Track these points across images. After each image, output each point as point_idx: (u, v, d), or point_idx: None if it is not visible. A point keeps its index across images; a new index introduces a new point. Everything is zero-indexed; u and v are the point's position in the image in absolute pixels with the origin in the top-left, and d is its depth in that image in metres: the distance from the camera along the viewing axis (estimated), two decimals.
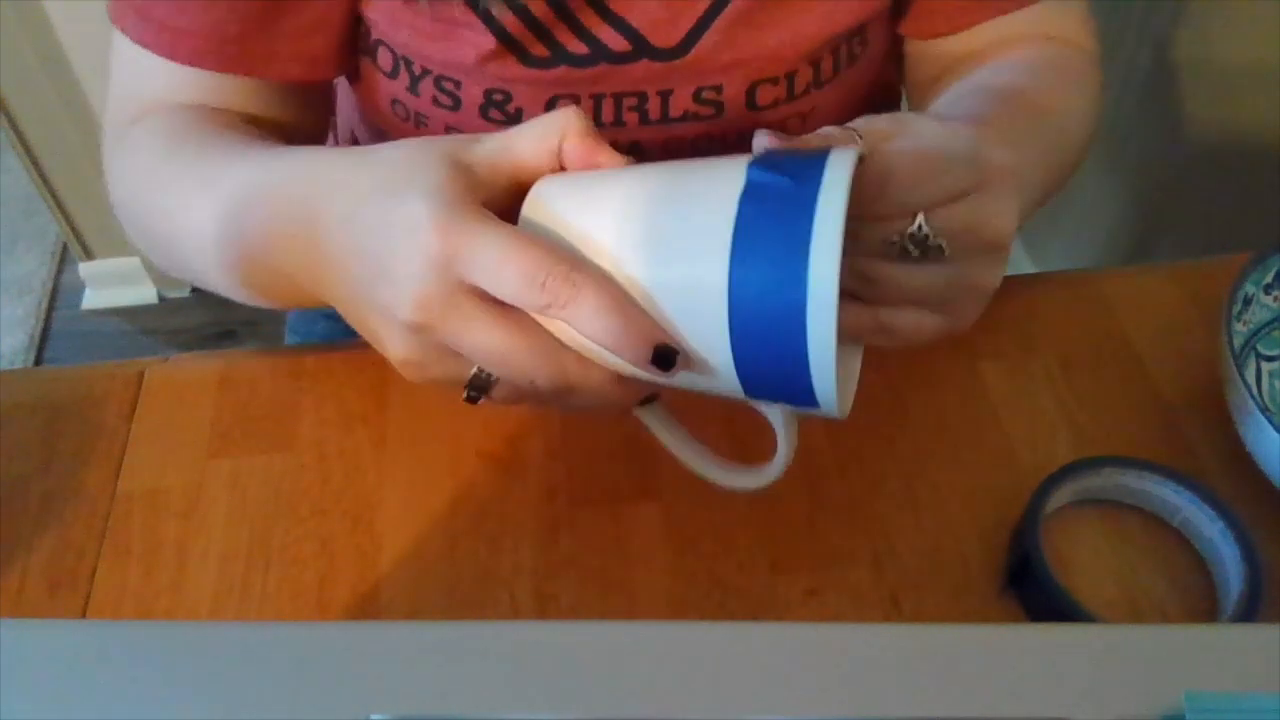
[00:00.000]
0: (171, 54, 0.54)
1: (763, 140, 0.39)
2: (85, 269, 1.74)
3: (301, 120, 0.60)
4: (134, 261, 1.72)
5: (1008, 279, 0.64)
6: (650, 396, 0.42)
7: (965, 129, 0.43)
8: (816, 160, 0.36)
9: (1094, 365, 0.57)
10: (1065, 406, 0.55)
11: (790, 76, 0.57)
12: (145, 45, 0.54)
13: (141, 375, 0.58)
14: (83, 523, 0.51)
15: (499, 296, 0.37)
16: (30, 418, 0.56)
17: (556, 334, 0.38)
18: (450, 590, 0.49)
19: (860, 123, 0.42)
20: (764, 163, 0.37)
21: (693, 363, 0.37)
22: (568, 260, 0.36)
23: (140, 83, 0.57)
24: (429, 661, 0.33)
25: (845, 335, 0.40)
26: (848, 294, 0.41)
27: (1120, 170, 1.35)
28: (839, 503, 0.51)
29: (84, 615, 0.48)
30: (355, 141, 0.71)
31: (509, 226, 0.37)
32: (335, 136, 0.74)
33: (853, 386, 0.42)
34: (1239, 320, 0.53)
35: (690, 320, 0.36)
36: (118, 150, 0.58)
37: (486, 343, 0.37)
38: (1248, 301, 0.53)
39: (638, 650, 0.34)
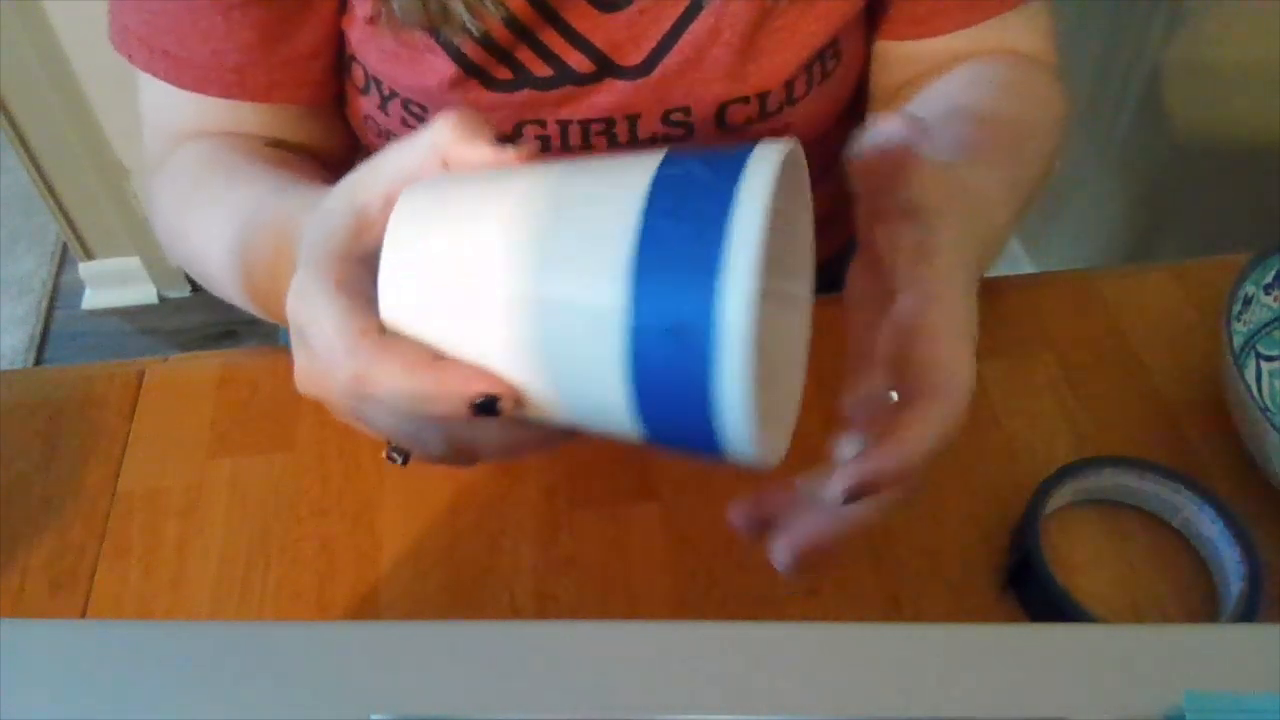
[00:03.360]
0: (178, 81, 0.54)
1: None
2: (85, 269, 1.74)
3: (324, 141, 0.60)
4: (134, 261, 1.72)
5: (1008, 279, 0.64)
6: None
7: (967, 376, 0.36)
8: (740, 153, 0.29)
9: (1094, 365, 0.57)
10: (1065, 406, 0.55)
11: (762, 96, 0.56)
12: (154, 74, 0.54)
13: (141, 375, 0.58)
14: (83, 522, 0.51)
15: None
16: (30, 418, 0.56)
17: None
18: (450, 590, 0.49)
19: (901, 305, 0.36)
20: (676, 159, 0.30)
21: (574, 402, 0.31)
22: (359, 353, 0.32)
23: (164, 112, 0.57)
24: (429, 661, 0.33)
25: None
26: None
27: (1120, 170, 1.35)
28: None
29: (84, 615, 0.48)
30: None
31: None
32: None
33: (786, 430, 0.36)
34: (1239, 320, 0.53)
35: (578, 351, 0.29)
36: (155, 179, 0.59)
37: (380, 426, 0.36)
38: (1248, 301, 0.53)
39: (638, 650, 0.34)
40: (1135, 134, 1.30)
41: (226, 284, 0.51)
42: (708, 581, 0.47)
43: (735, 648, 0.34)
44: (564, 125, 0.55)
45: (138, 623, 0.46)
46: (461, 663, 0.33)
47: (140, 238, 1.66)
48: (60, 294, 1.80)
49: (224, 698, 0.32)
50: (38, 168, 1.56)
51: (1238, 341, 0.53)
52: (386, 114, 0.56)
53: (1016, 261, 1.60)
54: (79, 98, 1.47)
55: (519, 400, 0.31)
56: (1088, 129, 1.38)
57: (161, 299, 1.77)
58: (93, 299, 1.77)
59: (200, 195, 0.53)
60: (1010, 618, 0.47)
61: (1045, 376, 0.57)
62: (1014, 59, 0.58)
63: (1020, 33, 0.59)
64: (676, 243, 0.28)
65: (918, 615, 0.47)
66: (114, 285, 1.76)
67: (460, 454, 0.36)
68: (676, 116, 0.55)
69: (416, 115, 0.55)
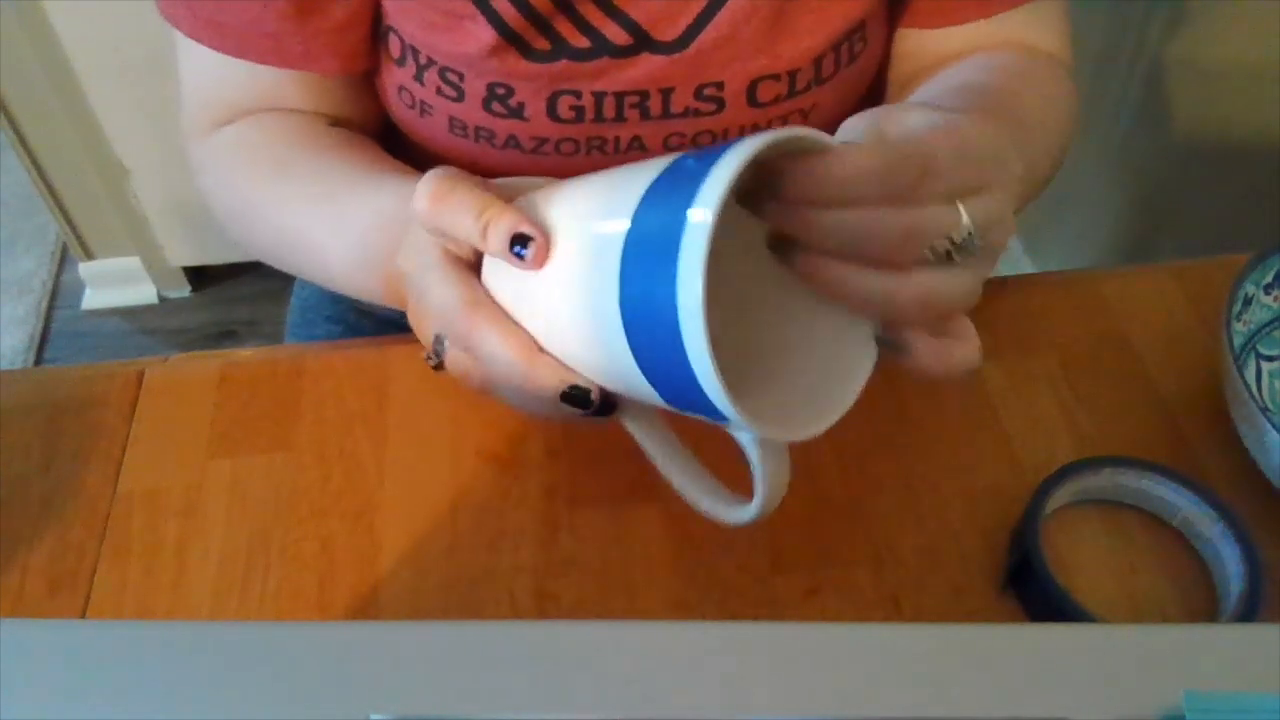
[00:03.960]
0: (220, 47, 0.56)
1: None
2: (85, 269, 1.74)
3: (358, 113, 0.62)
4: (134, 261, 1.72)
5: (1008, 279, 0.64)
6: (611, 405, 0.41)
7: (986, 121, 0.40)
8: (729, 144, 0.33)
9: (1094, 365, 0.57)
10: (1065, 406, 0.55)
11: (792, 74, 0.57)
12: (199, 40, 0.56)
13: (141, 375, 0.58)
14: (83, 523, 0.51)
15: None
16: (30, 418, 0.56)
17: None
18: (450, 590, 0.49)
19: (846, 124, 0.39)
20: (695, 152, 0.34)
21: (619, 377, 0.37)
22: (469, 315, 0.40)
23: (205, 77, 0.60)
24: (429, 661, 0.33)
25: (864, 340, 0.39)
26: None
27: (1120, 170, 1.35)
28: (839, 503, 0.51)
29: (84, 615, 0.48)
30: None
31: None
32: None
33: (841, 405, 0.39)
34: (1239, 320, 0.53)
35: (597, 318, 0.35)
36: (208, 156, 0.61)
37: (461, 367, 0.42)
38: (1248, 301, 0.53)
39: (638, 650, 0.34)
40: (1135, 134, 1.30)
41: (334, 280, 0.56)
42: (708, 581, 0.47)
43: (735, 648, 0.34)
44: (599, 97, 0.56)
45: (138, 623, 0.46)
46: (461, 663, 0.33)
47: (140, 238, 1.66)
48: (60, 294, 1.80)
49: (224, 698, 0.32)
50: (38, 168, 1.56)
51: (1238, 341, 0.53)
52: (422, 84, 0.57)
53: (1016, 261, 1.60)
54: (79, 98, 1.47)
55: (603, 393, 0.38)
56: (1088, 129, 1.38)
57: (161, 299, 1.77)
58: (93, 299, 1.77)
59: (284, 194, 0.57)
60: (1010, 618, 0.47)
61: (1045, 376, 0.57)
62: (1028, 52, 0.59)
63: (1036, 30, 0.60)
64: (669, 188, 0.34)
65: (918, 615, 0.47)
66: (114, 285, 1.76)
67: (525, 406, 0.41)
68: (709, 91, 0.56)
69: (452, 84, 0.56)
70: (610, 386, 0.39)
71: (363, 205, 0.53)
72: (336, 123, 0.61)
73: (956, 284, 0.37)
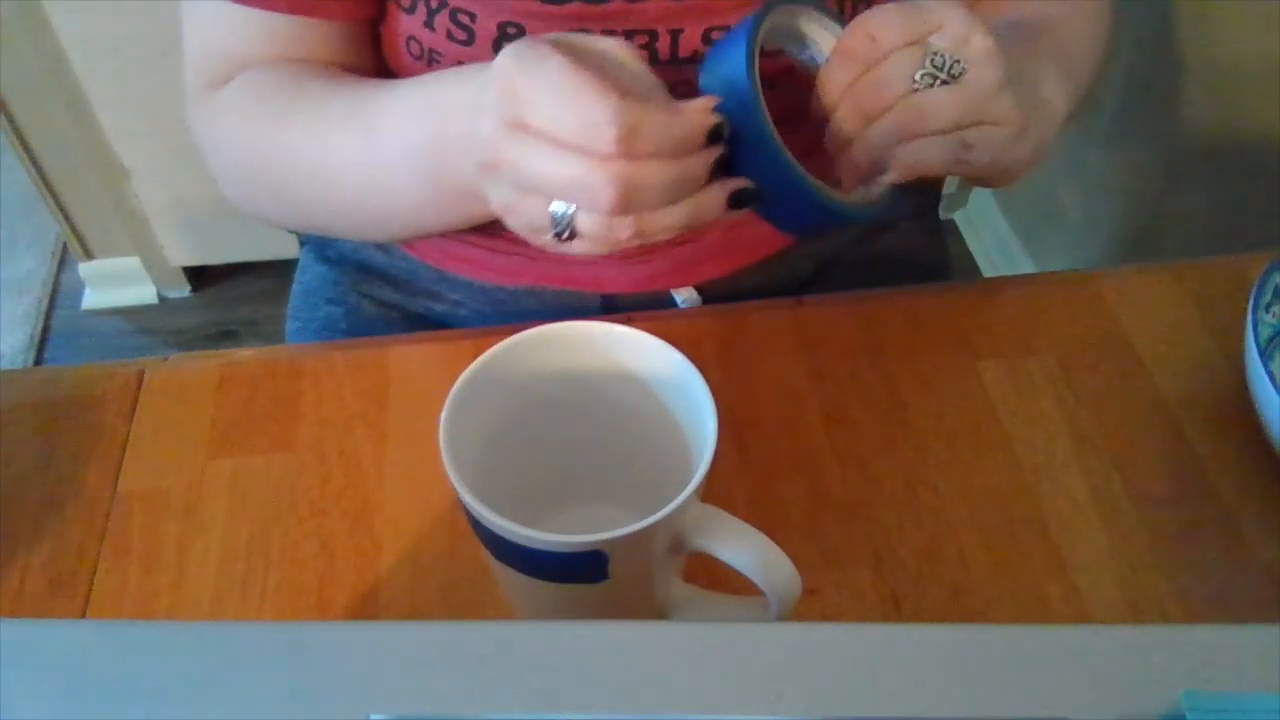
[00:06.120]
0: None
1: None
2: (85, 269, 1.74)
3: (358, 62, 0.63)
4: (134, 261, 1.72)
5: (1008, 279, 0.64)
6: (742, 198, 0.46)
7: None
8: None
9: (1094, 365, 0.57)
10: (1065, 406, 0.55)
11: None
12: None
13: (141, 375, 0.58)
14: (83, 523, 0.51)
15: (559, 137, 0.42)
16: (30, 418, 0.56)
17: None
18: (450, 590, 0.49)
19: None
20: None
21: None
22: (624, 113, 0.41)
23: (210, 29, 0.60)
24: (429, 661, 0.33)
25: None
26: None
27: (1120, 170, 1.35)
28: (839, 503, 0.51)
29: (84, 615, 0.48)
30: None
31: (574, 70, 0.41)
32: None
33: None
34: (1268, 311, 0.52)
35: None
36: (213, 112, 0.61)
37: (543, 171, 0.43)
38: (1278, 293, 0.52)
39: (638, 650, 0.34)
40: (1136, 134, 1.30)
41: (367, 186, 0.55)
42: (708, 582, 0.47)
43: (735, 648, 0.34)
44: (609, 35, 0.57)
45: (138, 623, 0.46)
46: (461, 663, 0.33)
47: (140, 238, 1.66)
48: (60, 294, 1.80)
49: (224, 698, 0.32)
50: (38, 168, 1.56)
51: (1265, 333, 0.52)
52: (432, 29, 0.57)
53: (1016, 261, 1.60)
54: (79, 98, 1.47)
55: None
56: (1088, 128, 1.38)
57: (161, 299, 1.77)
58: (93, 299, 1.77)
59: (302, 114, 0.56)
60: (1011, 618, 0.47)
61: (1045, 376, 0.57)
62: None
63: None
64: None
65: (918, 615, 0.47)
66: (114, 285, 1.76)
67: (625, 199, 0.42)
68: (717, 35, 0.57)
69: (464, 26, 0.56)
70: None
71: (388, 108, 0.53)
72: (352, 73, 0.62)
73: (934, 100, 0.47)
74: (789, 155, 0.45)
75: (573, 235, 0.44)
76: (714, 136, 0.44)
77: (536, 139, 0.42)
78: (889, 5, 0.47)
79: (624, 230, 0.43)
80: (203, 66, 0.61)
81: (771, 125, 0.44)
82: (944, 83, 0.47)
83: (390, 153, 0.53)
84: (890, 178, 0.49)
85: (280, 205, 0.60)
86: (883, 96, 0.47)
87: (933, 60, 0.47)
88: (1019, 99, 0.48)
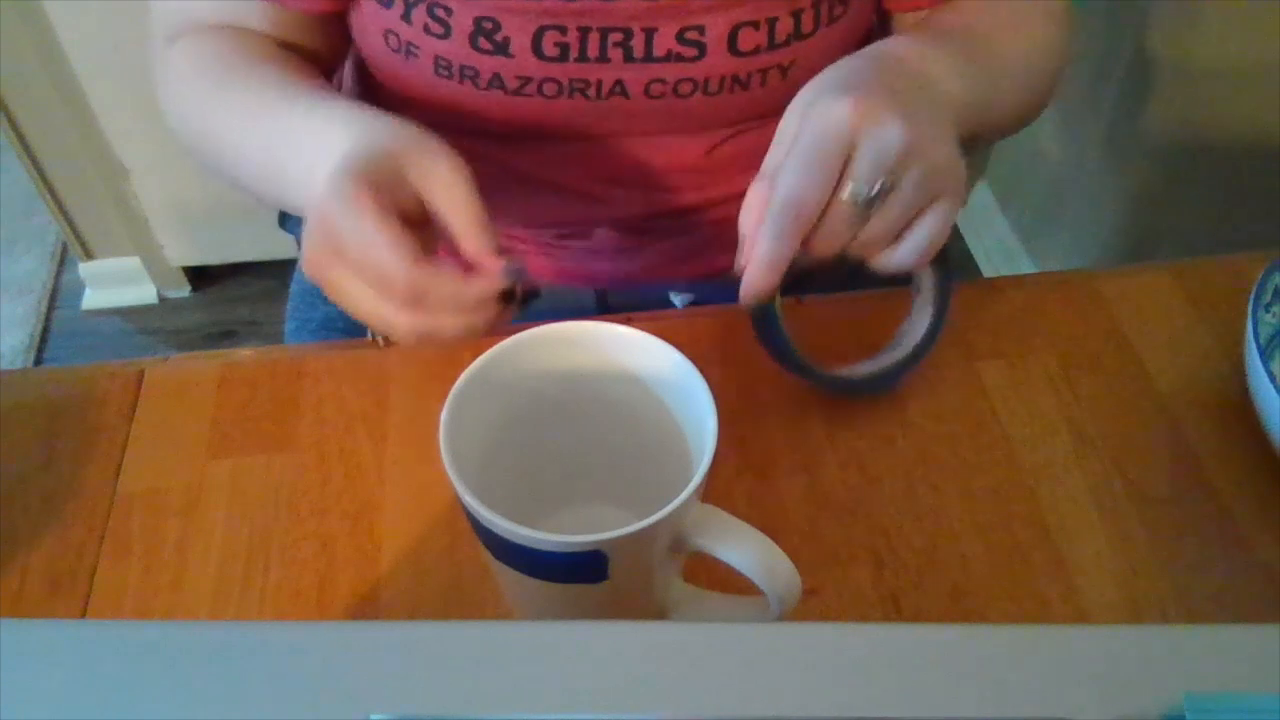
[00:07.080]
0: None
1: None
2: (85, 269, 1.74)
3: (322, 48, 0.64)
4: (134, 261, 1.72)
5: (1008, 279, 0.64)
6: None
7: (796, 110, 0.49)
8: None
9: (1094, 365, 0.57)
10: (1065, 406, 0.55)
11: (771, 22, 0.58)
12: None
13: (141, 375, 0.58)
14: (83, 522, 0.51)
15: (363, 276, 0.45)
16: (30, 418, 0.56)
17: None
18: (450, 590, 0.49)
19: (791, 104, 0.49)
20: None
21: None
22: (412, 277, 0.43)
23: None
24: (429, 661, 0.33)
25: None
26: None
27: (1120, 170, 1.35)
28: (839, 503, 0.51)
29: (84, 615, 0.48)
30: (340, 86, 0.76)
31: (375, 224, 0.44)
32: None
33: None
34: (1268, 311, 0.52)
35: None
36: (165, 68, 0.64)
37: (351, 294, 0.46)
38: (1278, 293, 0.52)
39: (638, 650, 0.34)
40: (1135, 134, 1.30)
41: (250, 175, 0.58)
42: (707, 582, 0.47)
43: (735, 648, 0.34)
44: (584, 32, 0.57)
45: (138, 623, 0.46)
46: (461, 663, 0.33)
47: (140, 238, 1.66)
48: (60, 294, 1.80)
49: (224, 698, 0.32)
50: (38, 168, 1.56)
51: (1265, 332, 0.52)
52: (409, 23, 0.58)
53: (1016, 261, 1.60)
54: (79, 98, 1.47)
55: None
56: (1087, 128, 1.38)
57: (161, 299, 1.77)
58: (93, 299, 1.77)
59: (222, 97, 0.59)
60: (1010, 618, 0.47)
61: (1045, 376, 0.57)
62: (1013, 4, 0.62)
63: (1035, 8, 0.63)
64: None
65: (918, 615, 0.47)
66: (114, 285, 1.76)
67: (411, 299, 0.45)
68: (691, 35, 0.57)
69: (440, 20, 0.57)
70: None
71: (287, 132, 0.55)
72: (303, 54, 0.63)
73: (877, 222, 0.47)
74: (803, 358, 0.51)
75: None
76: (506, 298, 0.46)
77: (346, 268, 0.46)
78: (791, 164, 0.46)
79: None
80: (162, 20, 0.63)
81: (788, 336, 0.50)
82: (870, 204, 0.46)
83: (279, 165, 0.55)
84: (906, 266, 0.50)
85: (207, 160, 0.63)
86: (836, 245, 0.48)
87: (857, 197, 0.46)
88: (920, 130, 0.47)
